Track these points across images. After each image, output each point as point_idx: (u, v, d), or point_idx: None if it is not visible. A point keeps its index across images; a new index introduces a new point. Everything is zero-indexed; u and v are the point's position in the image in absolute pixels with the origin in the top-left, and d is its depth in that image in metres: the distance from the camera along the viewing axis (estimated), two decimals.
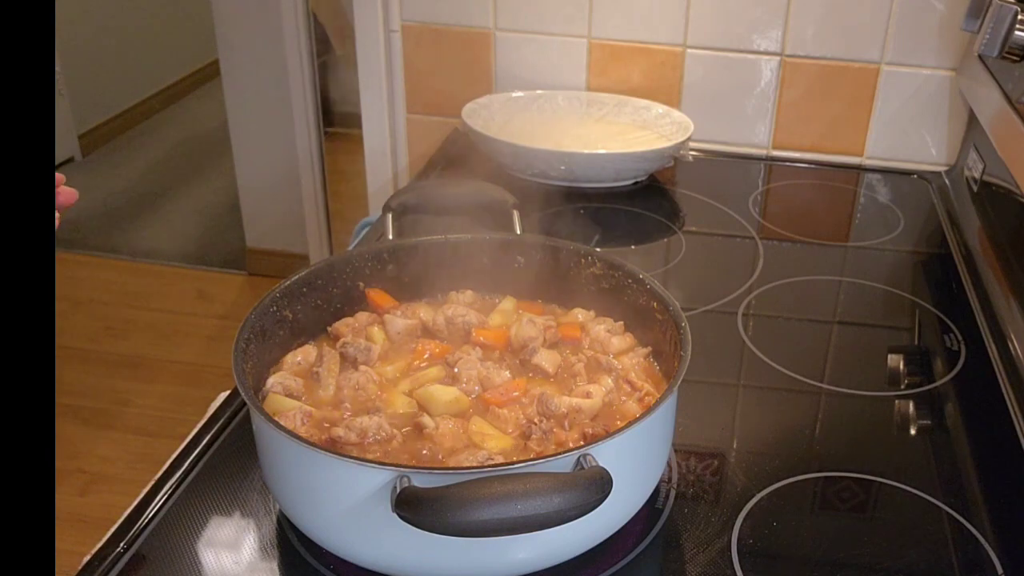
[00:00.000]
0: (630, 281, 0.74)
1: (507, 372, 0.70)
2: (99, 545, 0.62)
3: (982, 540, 0.65)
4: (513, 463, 0.55)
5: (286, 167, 2.46)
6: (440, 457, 0.61)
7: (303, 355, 0.71)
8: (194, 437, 0.72)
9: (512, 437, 0.64)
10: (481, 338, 0.73)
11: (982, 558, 0.64)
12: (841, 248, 1.12)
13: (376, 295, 0.78)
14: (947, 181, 1.27)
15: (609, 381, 0.68)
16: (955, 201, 1.20)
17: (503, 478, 0.50)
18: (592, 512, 0.51)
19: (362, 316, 0.76)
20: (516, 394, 0.67)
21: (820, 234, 1.13)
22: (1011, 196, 1.00)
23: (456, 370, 0.69)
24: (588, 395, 0.66)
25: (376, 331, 0.74)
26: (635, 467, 0.60)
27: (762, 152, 1.34)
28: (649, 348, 0.72)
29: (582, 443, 0.61)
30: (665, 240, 1.11)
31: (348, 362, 0.70)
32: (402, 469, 0.52)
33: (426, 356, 0.72)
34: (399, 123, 1.42)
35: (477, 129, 1.19)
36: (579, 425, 0.64)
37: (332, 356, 0.70)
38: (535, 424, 0.63)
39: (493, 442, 0.62)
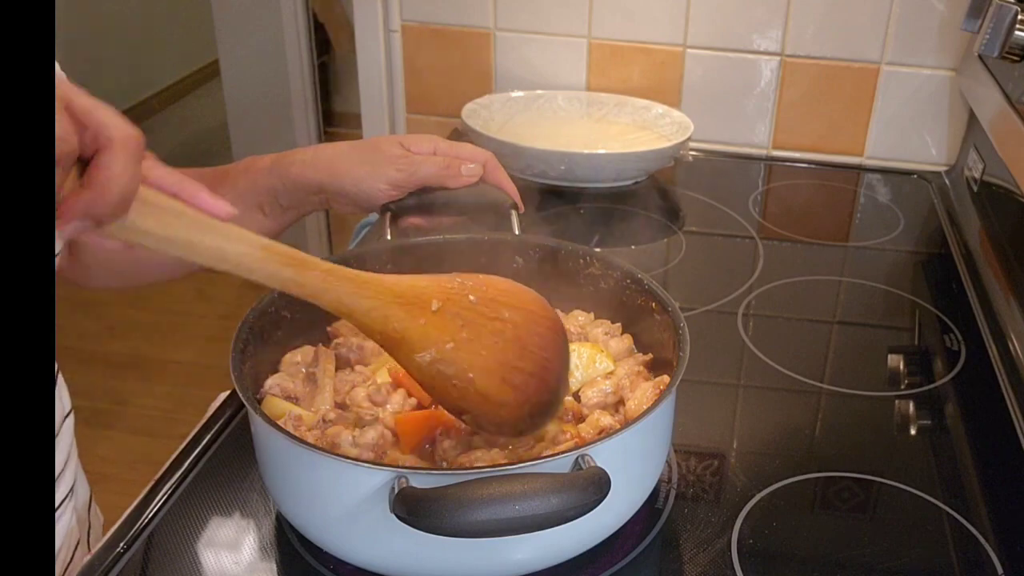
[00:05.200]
0: (629, 281, 0.74)
1: None
2: (99, 545, 0.62)
3: (982, 540, 0.65)
4: (511, 464, 0.55)
5: None
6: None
7: (302, 355, 0.71)
8: (194, 437, 0.72)
9: None
10: None
11: (982, 558, 0.64)
12: (841, 248, 1.12)
13: None
14: (947, 181, 1.27)
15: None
16: (955, 201, 1.20)
17: (500, 479, 0.50)
18: (590, 512, 0.51)
19: None
20: None
21: (820, 234, 1.13)
22: (1011, 196, 1.00)
23: None
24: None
25: None
26: (633, 467, 0.60)
27: (762, 152, 1.34)
28: (650, 356, 0.72)
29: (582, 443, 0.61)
30: (665, 240, 1.11)
31: (343, 362, 0.70)
32: (400, 470, 0.52)
33: None
34: (399, 123, 1.42)
35: (477, 129, 1.19)
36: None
37: (327, 356, 0.70)
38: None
39: None
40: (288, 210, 0.80)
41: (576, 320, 0.76)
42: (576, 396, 0.67)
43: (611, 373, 0.67)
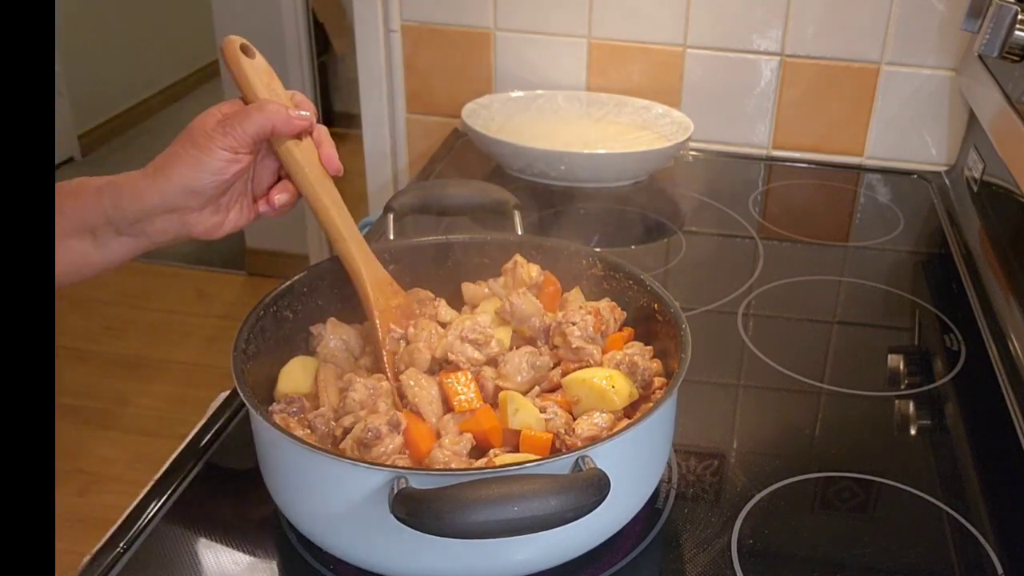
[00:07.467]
0: (631, 283, 0.74)
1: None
2: (99, 545, 0.62)
3: (982, 540, 0.65)
4: (511, 465, 0.55)
5: None
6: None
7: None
8: (194, 437, 0.72)
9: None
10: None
11: (982, 558, 0.64)
12: (841, 248, 1.12)
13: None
14: (947, 181, 1.27)
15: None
16: (955, 201, 1.20)
17: (500, 480, 0.50)
18: (591, 514, 0.51)
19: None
20: None
21: (820, 234, 1.13)
22: (1011, 196, 1.00)
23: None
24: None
25: None
26: (634, 469, 0.60)
27: (762, 152, 1.34)
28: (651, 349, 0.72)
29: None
30: (665, 240, 1.11)
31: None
32: (399, 470, 0.52)
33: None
34: (399, 123, 1.42)
35: (477, 129, 1.19)
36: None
37: (325, 368, 0.69)
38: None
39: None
40: (127, 237, 0.70)
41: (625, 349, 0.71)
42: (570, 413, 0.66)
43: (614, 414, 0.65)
